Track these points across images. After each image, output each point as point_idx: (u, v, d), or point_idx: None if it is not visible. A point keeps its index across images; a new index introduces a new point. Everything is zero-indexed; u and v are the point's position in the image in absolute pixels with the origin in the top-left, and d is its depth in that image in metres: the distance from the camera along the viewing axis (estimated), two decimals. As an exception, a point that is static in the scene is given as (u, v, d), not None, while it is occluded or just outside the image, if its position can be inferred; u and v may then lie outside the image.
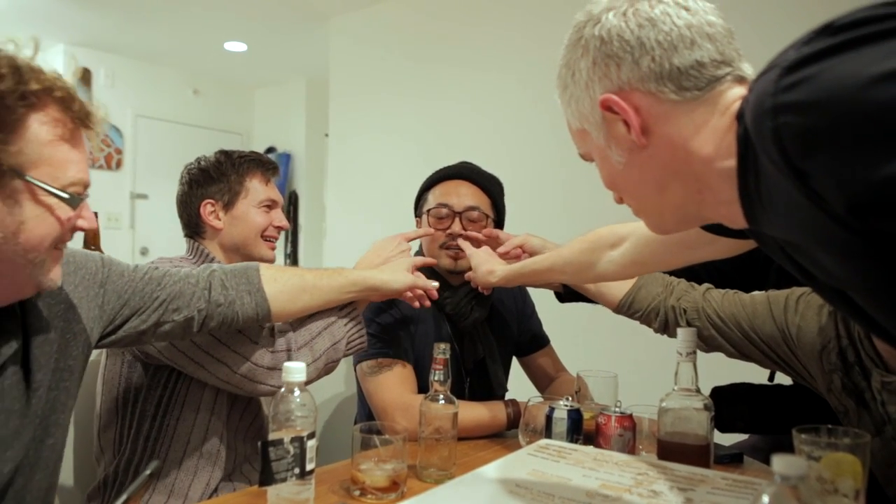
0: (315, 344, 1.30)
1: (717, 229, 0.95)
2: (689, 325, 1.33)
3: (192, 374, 1.27)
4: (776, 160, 0.59)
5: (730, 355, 1.33)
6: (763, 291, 1.29)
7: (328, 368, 1.33)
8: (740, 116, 0.69)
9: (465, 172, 1.65)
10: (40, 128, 0.85)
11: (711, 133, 0.72)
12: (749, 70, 0.74)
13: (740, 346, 1.29)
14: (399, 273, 1.38)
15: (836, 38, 0.55)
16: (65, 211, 0.89)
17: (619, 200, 0.88)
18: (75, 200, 0.89)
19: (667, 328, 1.37)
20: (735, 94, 0.72)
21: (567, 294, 1.61)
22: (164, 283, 1.14)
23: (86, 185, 0.91)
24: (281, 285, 1.25)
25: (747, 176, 0.68)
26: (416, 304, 1.42)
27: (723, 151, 0.71)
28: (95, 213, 1.37)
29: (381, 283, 1.35)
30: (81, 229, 0.94)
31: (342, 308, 1.36)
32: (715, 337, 1.31)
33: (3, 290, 0.90)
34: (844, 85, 0.53)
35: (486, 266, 1.50)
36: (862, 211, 0.55)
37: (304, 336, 1.30)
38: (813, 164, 0.56)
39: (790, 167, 0.58)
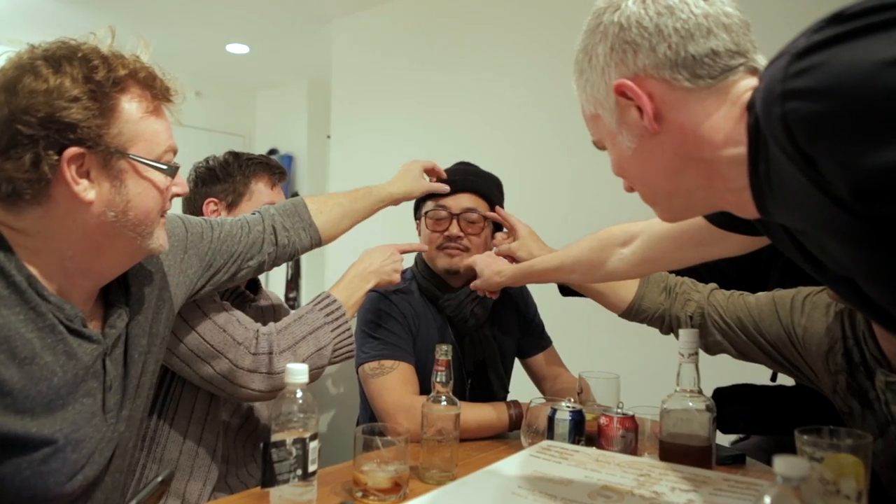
0: (298, 348, 1.27)
1: (727, 225, 0.95)
2: None
3: (179, 371, 1.27)
4: (784, 146, 0.60)
5: (735, 357, 1.33)
6: (767, 292, 1.28)
7: (312, 375, 1.30)
8: (751, 106, 0.69)
9: (461, 186, 1.64)
10: (130, 107, 0.93)
11: (722, 121, 0.73)
12: (763, 62, 0.75)
13: (745, 349, 1.29)
14: (414, 182, 1.56)
15: (846, 25, 0.56)
16: (164, 181, 0.98)
17: (629, 189, 0.88)
18: (172, 170, 0.98)
19: (672, 331, 1.37)
20: (747, 85, 0.73)
21: (569, 288, 1.61)
22: (239, 236, 1.26)
23: (175, 151, 1.00)
24: (326, 216, 1.40)
25: (757, 164, 0.69)
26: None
27: (733, 140, 0.72)
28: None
29: (403, 193, 1.53)
30: (177, 195, 1.04)
31: (329, 314, 1.33)
32: (721, 342, 1.31)
33: (117, 262, 0.99)
34: (852, 72, 0.53)
35: (492, 267, 1.50)
36: (867, 196, 0.56)
37: (287, 340, 1.27)
38: (819, 150, 0.57)
39: (797, 152, 0.58)
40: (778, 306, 1.25)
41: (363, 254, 1.48)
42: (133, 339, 1.03)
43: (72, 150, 0.87)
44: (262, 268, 1.30)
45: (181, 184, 1.03)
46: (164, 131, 0.98)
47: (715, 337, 1.31)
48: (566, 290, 1.60)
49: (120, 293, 1.03)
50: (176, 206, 1.58)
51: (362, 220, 1.48)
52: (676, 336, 1.35)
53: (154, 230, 0.98)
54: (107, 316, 1.01)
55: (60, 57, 0.89)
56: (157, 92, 0.97)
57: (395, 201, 1.52)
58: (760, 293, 1.29)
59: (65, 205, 0.90)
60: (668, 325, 1.37)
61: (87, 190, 0.90)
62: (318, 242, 1.38)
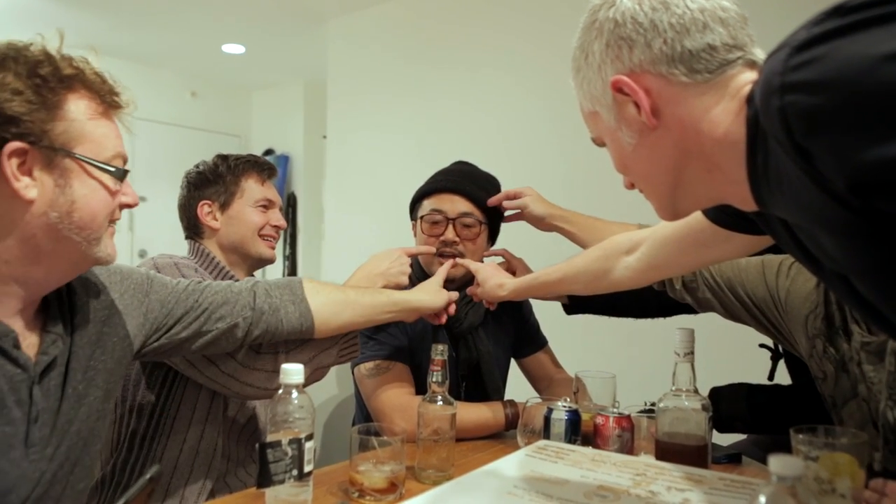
0: (304, 347, 1.28)
1: (730, 224, 0.96)
2: (685, 286, 1.36)
3: (184, 371, 1.27)
4: (781, 139, 0.60)
5: (723, 316, 1.36)
6: (759, 256, 1.31)
7: (317, 375, 1.32)
8: (750, 99, 0.69)
9: (458, 187, 1.63)
10: (77, 106, 0.89)
11: (722, 115, 0.73)
12: (761, 55, 0.75)
13: (733, 309, 1.32)
14: (436, 293, 1.42)
15: (846, 18, 0.55)
16: (113, 184, 0.93)
17: (630, 186, 0.88)
18: (120, 173, 0.94)
19: (665, 288, 1.40)
20: (746, 79, 0.73)
21: (573, 306, 1.62)
22: (207, 292, 1.17)
23: (125, 159, 0.96)
24: (324, 297, 1.26)
25: (756, 157, 0.69)
26: (437, 321, 1.45)
27: (733, 133, 0.72)
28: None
29: (422, 303, 1.39)
30: (126, 205, 0.98)
31: None
32: (710, 300, 1.34)
33: (59, 269, 0.93)
34: (852, 65, 0.53)
35: (495, 280, 1.49)
36: (863, 190, 0.55)
37: (294, 339, 1.28)
38: (816, 143, 0.57)
39: (794, 146, 0.58)
40: (766, 268, 1.28)
41: (371, 257, 1.48)
42: (71, 372, 0.95)
43: (13, 145, 0.83)
44: (233, 332, 1.16)
45: (131, 194, 0.98)
46: (113, 136, 0.94)
47: (705, 294, 1.34)
48: (570, 310, 1.61)
49: (60, 319, 0.96)
50: (173, 214, 1.60)
51: (369, 318, 1.32)
52: (669, 292, 1.37)
53: (101, 237, 0.93)
54: (43, 340, 0.93)
55: (5, 55, 0.86)
56: (105, 96, 0.93)
57: (413, 310, 1.38)
58: (753, 257, 1.32)
59: (3, 204, 0.85)
60: (659, 282, 1.39)
61: (28, 188, 0.85)
62: (310, 325, 1.23)
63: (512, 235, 1.75)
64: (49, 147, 0.86)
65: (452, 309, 1.45)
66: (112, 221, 0.96)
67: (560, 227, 1.58)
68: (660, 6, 0.75)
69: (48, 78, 0.86)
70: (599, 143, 0.88)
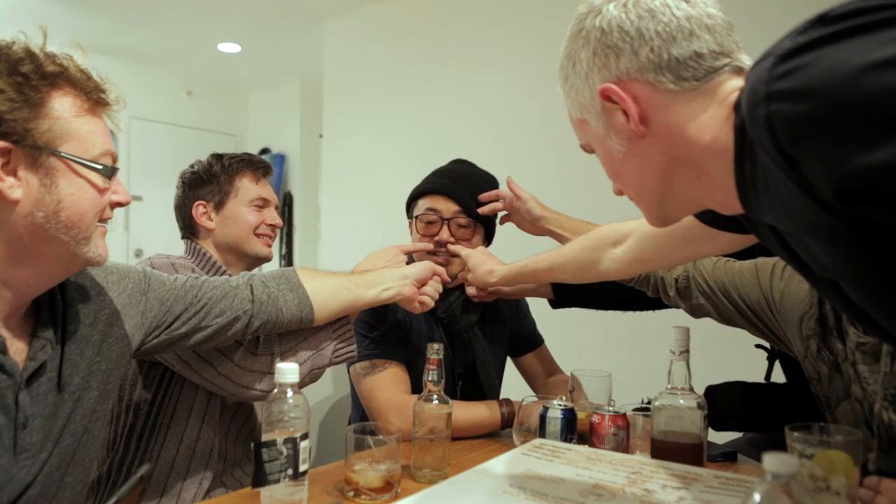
0: (299, 349, 1.28)
1: (717, 223, 0.96)
2: (678, 293, 1.36)
3: (181, 371, 1.27)
4: (767, 147, 0.60)
5: (718, 321, 1.37)
6: (752, 260, 1.32)
7: (313, 375, 1.31)
8: (738, 106, 0.69)
9: (449, 191, 1.61)
10: (62, 104, 0.87)
11: (710, 122, 0.73)
12: (748, 62, 0.75)
13: (727, 313, 1.33)
14: (421, 263, 1.42)
15: (830, 27, 0.56)
16: (101, 182, 0.91)
17: (619, 192, 0.89)
18: (108, 170, 0.92)
19: (658, 294, 1.40)
20: (733, 85, 0.73)
21: (559, 300, 1.62)
22: (205, 288, 1.17)
23: (114, 157, 0.94)
24: (319, 282, 1.27)
25: (743, 164, 0.69)
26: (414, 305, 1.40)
27: (720, 140, 0.72)
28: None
29: (408, 269, 1.37)
30: (118, 204, 0.96)
31: None
32: (704, 305, 1.35)
33: (48, 270, 0.91)
34: (836, 73, 0.53)
35: (485, 266, 1.49)
36: (849, 198, 0.56)
37: (289, 341, 1.29)
38: (802, 151, 0.57)
39: (780, 154, 0.59)
40: (759, 272, 1.29)
41: (368, 255, 1.48)
42: (66, 376, 0.93)
43: None
44: (234, 326, 1.17)
45: (122, 192, 0.96)
46: (100, 134, 0.92)
47: (699, 300, 1.34)
48: (556, 304, 1.61)
49: (51, 324, 0.94)
50: (169, 214, 1.60)
51: (363, 294, 1.30)
52: (664, 298, 1.38)
53: (91, 237, 0.91)
54: (32, 345, 0.91)
55: None
56: (91, 93, 0.91)
57: (406, 278, 1.35)
58: (746, 260, 1.33)
59: None
60: (654, 286, 1.40)
61: (13, 188, 0.84)
62: (309, 310, 1.24)
63: (507, 236, 1.75)
64: (33, 146, 0.85)
65: (427, 300, 1.39)
66: (103, 221, 0.94)
67: (553, 230, 1.58)
68: (646, 14, 0.75)
69: (30, 76, 0.84)
70: (589, 150, 0.88)
